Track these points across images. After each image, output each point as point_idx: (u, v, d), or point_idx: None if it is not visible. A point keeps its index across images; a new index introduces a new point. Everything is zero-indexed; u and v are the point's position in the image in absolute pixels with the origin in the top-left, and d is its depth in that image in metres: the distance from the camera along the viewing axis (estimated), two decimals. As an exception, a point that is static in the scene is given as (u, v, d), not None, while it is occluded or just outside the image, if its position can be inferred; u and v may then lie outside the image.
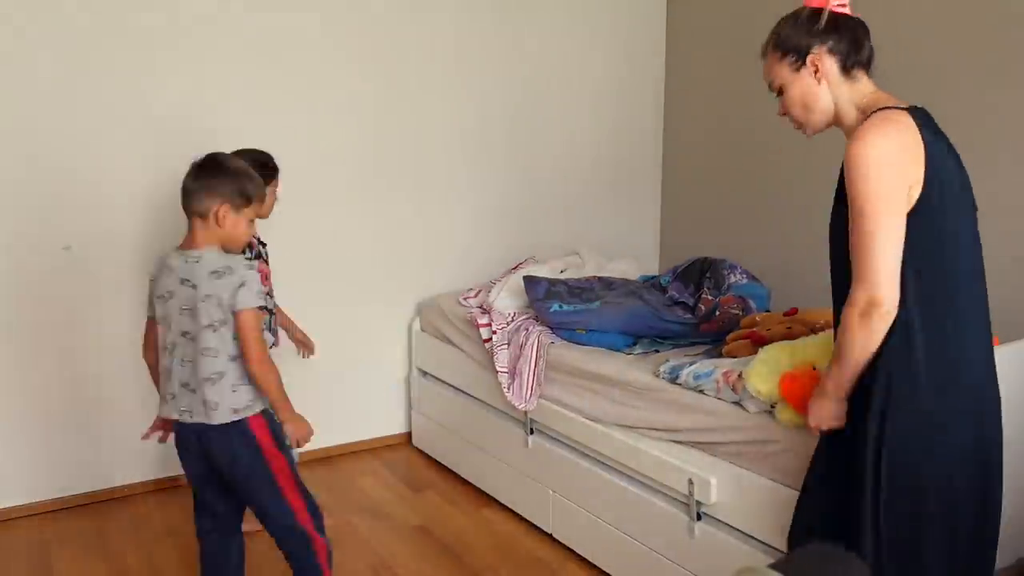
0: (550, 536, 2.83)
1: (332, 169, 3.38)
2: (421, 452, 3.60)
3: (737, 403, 2.22)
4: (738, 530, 2.21)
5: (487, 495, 3.16)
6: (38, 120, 2.85)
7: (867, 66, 1.71)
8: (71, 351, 3.01)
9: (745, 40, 3.41)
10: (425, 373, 3.62)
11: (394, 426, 3.69)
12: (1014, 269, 2.68)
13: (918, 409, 1.60)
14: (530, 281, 3.10)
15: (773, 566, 0.98)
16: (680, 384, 2.40)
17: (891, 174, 1.53)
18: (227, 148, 2.26)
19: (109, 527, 2.92)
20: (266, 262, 2.69)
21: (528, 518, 2.94)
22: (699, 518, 2.29)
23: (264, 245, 2.72)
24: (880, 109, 1.62)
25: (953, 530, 1.64)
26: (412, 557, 2.73)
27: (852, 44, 1.67)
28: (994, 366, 1.71)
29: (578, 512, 2.70)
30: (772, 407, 2.12)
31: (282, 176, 2.72)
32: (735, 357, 2.40)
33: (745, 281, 3.00)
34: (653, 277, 3.30)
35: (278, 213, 2.76)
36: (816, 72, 1.68)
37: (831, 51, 1.67)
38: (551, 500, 2.81)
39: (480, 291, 3.51)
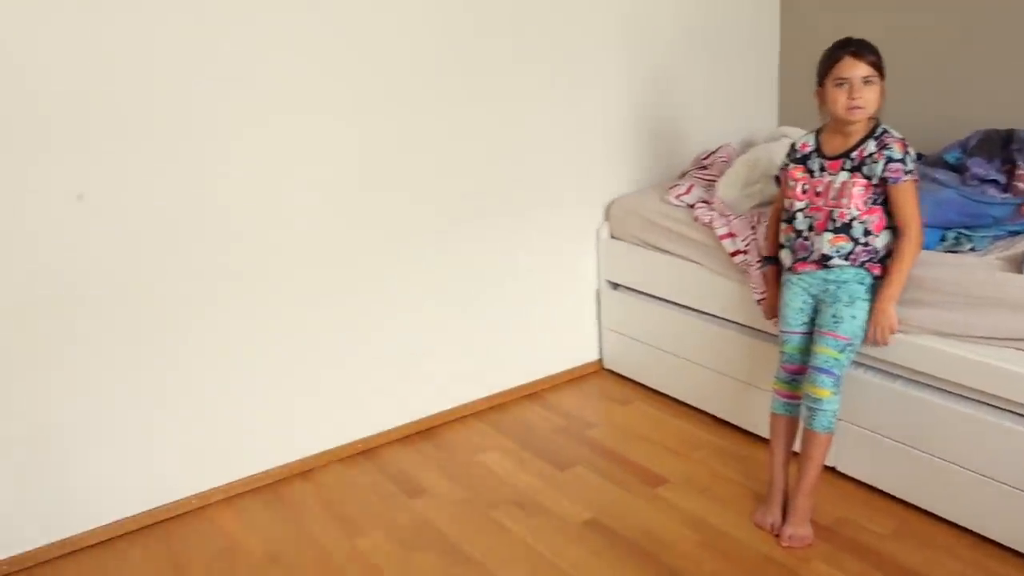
0: (853, 479, 2.47)
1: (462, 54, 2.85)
2: (618, 376, 3.21)
3: None
4: None
5: (724, 422, 2.80)
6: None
7: None
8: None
9: None
10: (617, 286, 3.21)
11: (584, 353, 3.27)
12: None
13: None
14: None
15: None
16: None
17: None
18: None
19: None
20: None
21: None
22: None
23: None
24: None
25: None
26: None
27: None
28: None
29: (902, 450, 2.32)
30: None
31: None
32: None
33: (1061, 153, 2.55)
34: (920, 156, 2.83)
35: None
36: None
37: None
38: (861, 438, 2.43)
39: (692, 185, 3.06)
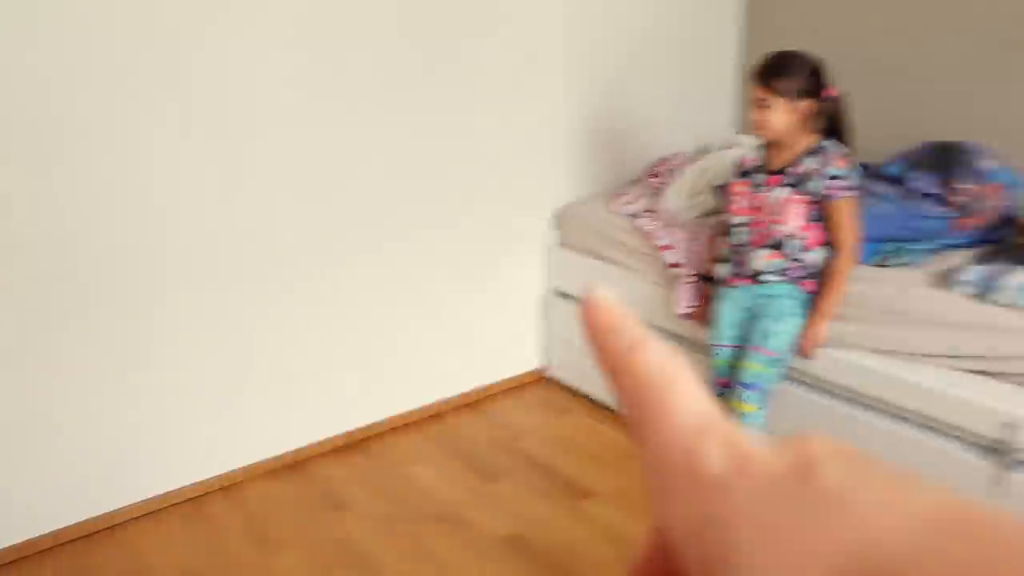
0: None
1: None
2: (561, 386, 3.18)
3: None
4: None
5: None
6: None
7: None
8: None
9: None
10: (564, 295, 3.18)
11: (526, 362, 3.24)
12: None
13: None
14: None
15: None
16: (998, 302, 1.96)
17: None
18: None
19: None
20: None
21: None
22: (1015, 467, 1.91)
23: None
24: None
25: None
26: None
27: None
28: None
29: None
30: None
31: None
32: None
33: (1000, 166, 2.54)
34: (865, 167, 2.82)
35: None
36: None
37: None
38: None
39: (638, 194, 3.04)
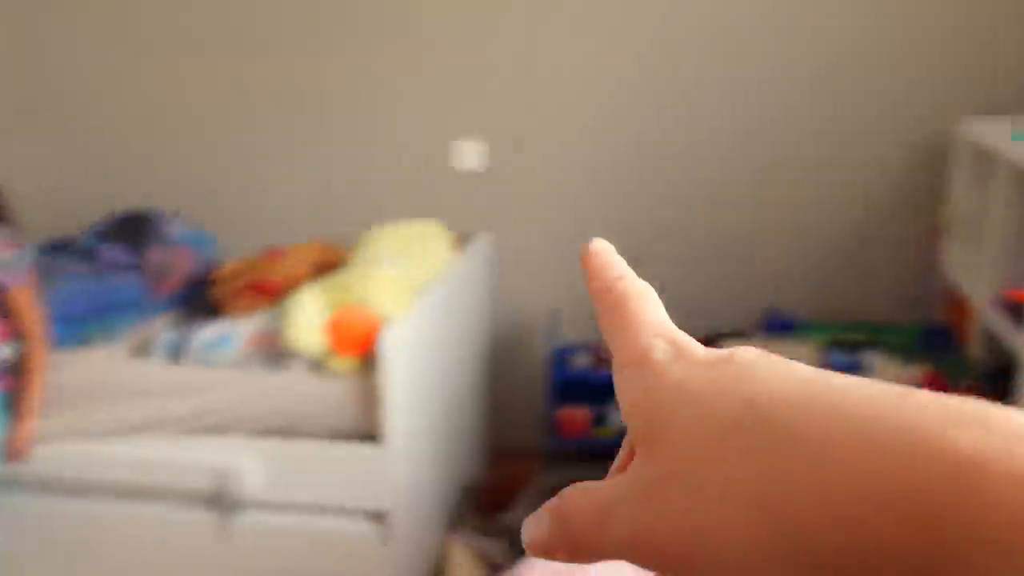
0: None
1: None
2: None
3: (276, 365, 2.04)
4: (295, 506, 2.05)
5: None
6: None
7: None
8: None
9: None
10: None
11: None
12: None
13: None
14: None
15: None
16: (188, 362, 2.07)
17: None
18: None
19: None
20: None
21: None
22: (235, 511, 2.06)
23: None
24: None
25: None
26: None
27: None
28: None
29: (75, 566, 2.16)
30: (320, 361, 2.00)
31: None
32: (246, 314, 2.17)
33: (189, 230, 2.71)
34: (58, 244, 2.71)
35: None
36: None
37: None
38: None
39: None
